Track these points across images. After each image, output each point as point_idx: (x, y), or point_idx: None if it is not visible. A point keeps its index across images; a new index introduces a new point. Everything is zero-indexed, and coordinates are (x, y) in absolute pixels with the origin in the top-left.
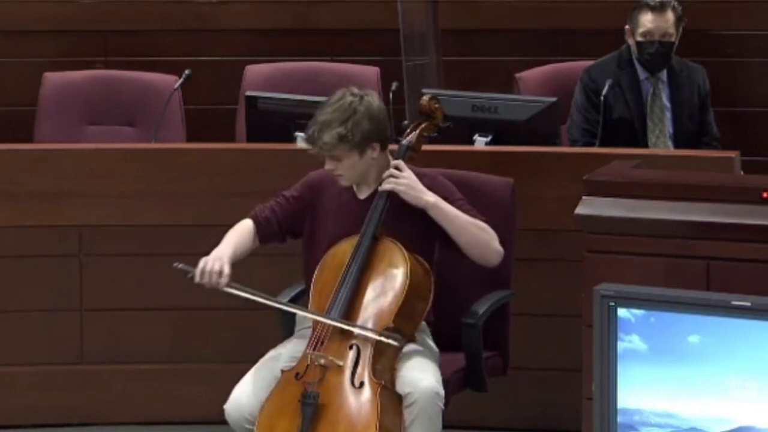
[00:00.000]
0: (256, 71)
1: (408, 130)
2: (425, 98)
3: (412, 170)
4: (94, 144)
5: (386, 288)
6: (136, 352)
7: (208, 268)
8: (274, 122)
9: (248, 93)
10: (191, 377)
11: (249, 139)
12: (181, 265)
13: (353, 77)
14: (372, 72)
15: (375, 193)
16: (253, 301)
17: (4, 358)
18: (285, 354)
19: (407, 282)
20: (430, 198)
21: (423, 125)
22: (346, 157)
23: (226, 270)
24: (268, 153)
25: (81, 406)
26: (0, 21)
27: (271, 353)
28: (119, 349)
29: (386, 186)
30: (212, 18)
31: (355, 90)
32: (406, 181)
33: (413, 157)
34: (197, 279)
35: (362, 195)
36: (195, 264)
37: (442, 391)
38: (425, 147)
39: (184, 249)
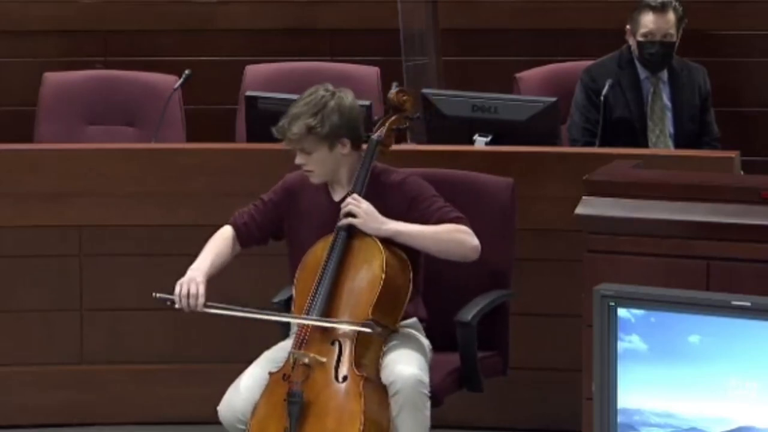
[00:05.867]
0: (256, 71)
1: (377, 125)
2: (392, 92)
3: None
4: (94, 144)
5: (362, 282)
6: (136, 352)
7: (183, 291)
8: (274, 122)
9: (248, 93)
10: (191, 377)
11: (249, 139)
12: (159, 295)
13: (353, 77)
14: (372, 72)
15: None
16: (235, 316)
17: (3, 358)
18: (277, 355)
19: (383, 274)
20: (390, 227)
21: (392, 118)
22: (315, 150)
23: (201, 290)
24: (268, 153)
25: (81, 406)
26: (0, 21)
27: (264, 355)
28: (119, 349)
29: (344, 221)
30: (212, 18)
31: (330, 86)
32: (363, 214)
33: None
34: (177, 305)
35: (337, 197)
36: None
37: (425, 379)
38: (424, 148)
39: (184, 249)
